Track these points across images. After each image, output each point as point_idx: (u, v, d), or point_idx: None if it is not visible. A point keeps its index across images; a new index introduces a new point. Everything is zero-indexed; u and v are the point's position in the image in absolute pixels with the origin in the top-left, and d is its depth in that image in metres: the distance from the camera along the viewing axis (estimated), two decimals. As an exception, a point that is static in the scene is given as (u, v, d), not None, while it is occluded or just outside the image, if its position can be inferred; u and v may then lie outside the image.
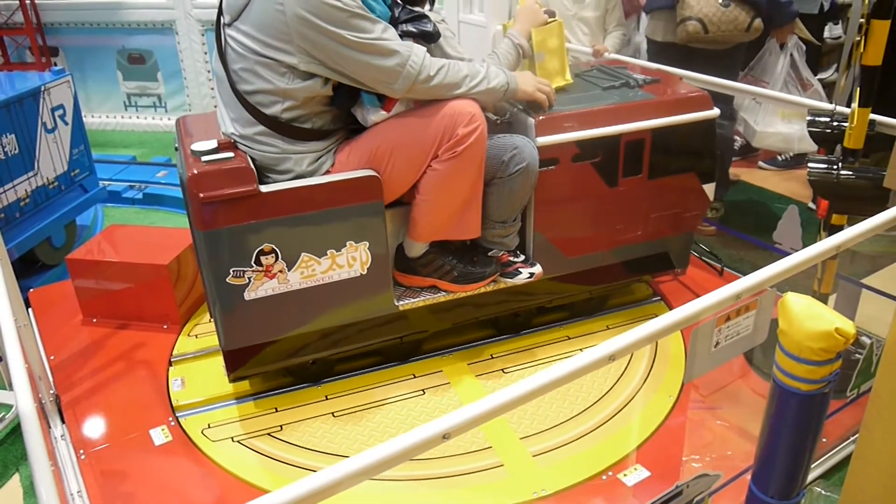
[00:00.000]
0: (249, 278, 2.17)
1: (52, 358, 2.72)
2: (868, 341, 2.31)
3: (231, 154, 2.13)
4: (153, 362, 2.69)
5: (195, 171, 2.05)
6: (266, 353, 2.33)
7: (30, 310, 2.97)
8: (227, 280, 2.15)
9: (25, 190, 3.42)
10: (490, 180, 2.35)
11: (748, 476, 1.61)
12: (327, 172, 2.21)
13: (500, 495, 2.07)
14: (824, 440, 2.20)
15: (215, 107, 2.34)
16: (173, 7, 5.52)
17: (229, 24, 2.11)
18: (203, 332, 2.84)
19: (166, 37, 5.68)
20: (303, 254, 2.20)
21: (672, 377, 2.50)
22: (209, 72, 5.68)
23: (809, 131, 2.47)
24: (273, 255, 2.17)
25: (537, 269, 2.51)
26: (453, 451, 2.21)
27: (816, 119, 2.45)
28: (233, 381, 2.37)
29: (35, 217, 3.48)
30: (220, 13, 2.17)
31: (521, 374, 2.57)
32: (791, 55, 3.56)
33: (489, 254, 2.48)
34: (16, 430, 2.55)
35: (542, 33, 2.53)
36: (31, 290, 3.19)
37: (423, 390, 2.48)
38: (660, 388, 2.45)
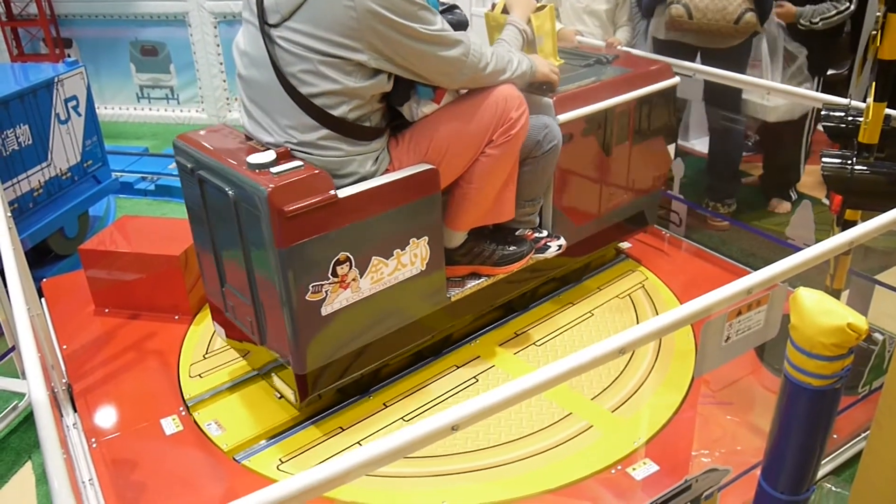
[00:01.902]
0: (326, 292, 2.06)
1: (64, 347, 2.74)
2: (881, 337, 2.30)
3: (300, 163, 2.00)
4: (164, 352, 2.70)
5: (273, 186, 1.88)
6: (335, 369, 2.22)
7: (42, 299, 3.00)
8: (306, 298, 2.02)
9: (39, 180, 3.44)
10: (524, 160, 2.39)
11: (758, 471, 1.61)
12: (386, 171, 2.16)
13: (604, 453, 2.16)
14: (835, 436, 2.19)
15: (250, 118, 2.16)
16: (186, -1, 5.54)
17: (276, 25, 1.97)
18: (211, 369, 2.60)
19: (179, 29, 5.70)
20: (373, 258, 2.13)
21: (681, 371, 2.49)
22: (221, 64, 5.70)
23: (824, 126, 2.45)
24: (347, 263, 2.08)
25: (562, 241, 2.64)
26: (538, 426, 2.27)
27: (831, 114, 2.43)
28: (306, 406, 2.26)
29: (48, 207, 3.51)
30: (260, 14, 2.00)
31: (553, 342, 2.69)
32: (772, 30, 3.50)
33: (516, 233, 2.55)
34: (29, 418, 2.57)
35: (539, 18, 2.64)
36: (44, 279, 3.21)
37: (475, 378, 2.50)
38: (669, 382, 2.45)
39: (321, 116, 2.01)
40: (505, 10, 2.61)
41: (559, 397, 2.37)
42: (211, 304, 2.51)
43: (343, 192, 2.02)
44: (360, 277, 2.12)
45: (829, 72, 3.75)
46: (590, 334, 2.73)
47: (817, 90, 3.52)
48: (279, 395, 2.40)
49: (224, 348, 2.67)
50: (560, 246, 2.61)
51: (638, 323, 2.62)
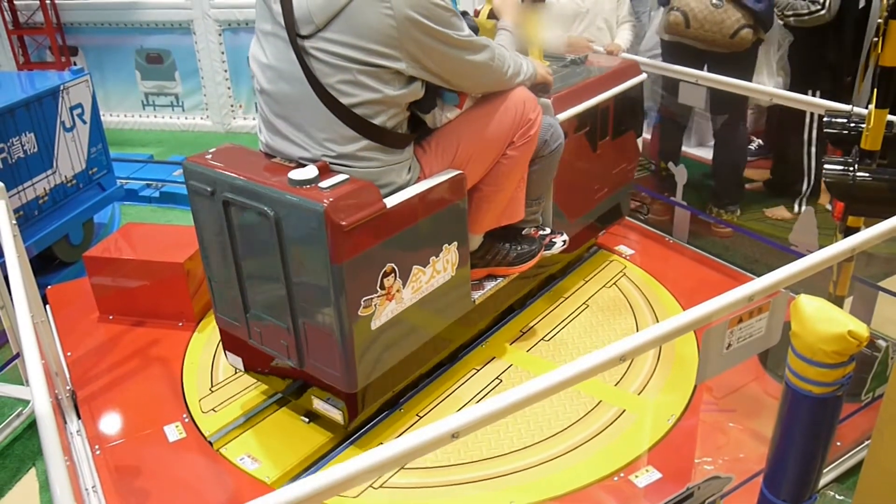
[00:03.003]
0: (375, 305, 2.03)
1: (69, 354, 2.75)
2: (884, 344, 2.29)
3: (345, 176, 1.95)
4: (168, 359, 2.71)
5: (329, 201, 1.83)
6: (379, 385, 2.18)
7: (47, 306, 3.01)
8: (358, 313, 1.98)
9: (44, 188, 3.46)
10: (532, 160, 2.44)
11: (760, 479, 1.60)
12: (418, 179, 2.15)
13: (642, 435, 2.21)
14: (839, 444, 2.18)
15: (276, 134, 2.08)
16: (191, 7, 5.57)
17: (309, 36, 1.92)
18: (223, 401, 2.47)
19: (184, 37, 5.73)
20: (413, 267, 2.12)
21: (685, 379, 2.49)
22: (226, 71, 5.72)
23: (826, 133, 2.45)
24: (393, 274, 2.05)
25: (565, 236, 2.73)
26: (571, 419, 2.30)
27: (833, 120, 2.43)
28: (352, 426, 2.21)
29: (53, 215, 3.52)
30: (289, 26, 1.93)
31: (560, 336, 2.74)
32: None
33: (523, 232, 2.61)
34: (33, 425, 2.58)
35: (528, 21, 2.69)
36: (49, 286, 3.23)
37: (498, 378, 2.52)
38: (672, 389, 2.44)
39: (362, 126, 1.97)
40: (491, 16, 2.62)
41: (561, 403, 2.38)
42: (225, 335, 2.38)
43: (391, 202, 2.00)
44: (403, 288, 2.11)
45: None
46: (591, 325, 2.80)
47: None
48: (307, 420, 2.35)
49: (230, 379, 2.57)
50: (564, 241, 2.72)
51: (635, 319, 2.76)
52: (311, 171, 1.92)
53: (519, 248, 2.54)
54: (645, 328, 1.36)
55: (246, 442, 2.30)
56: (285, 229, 1.94)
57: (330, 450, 2.26)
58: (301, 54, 1.93)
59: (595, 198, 3.02)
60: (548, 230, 2.71)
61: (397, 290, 2.09)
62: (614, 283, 3.06)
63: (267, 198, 1.93)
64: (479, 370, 2.56)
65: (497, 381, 2.50)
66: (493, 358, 2.62)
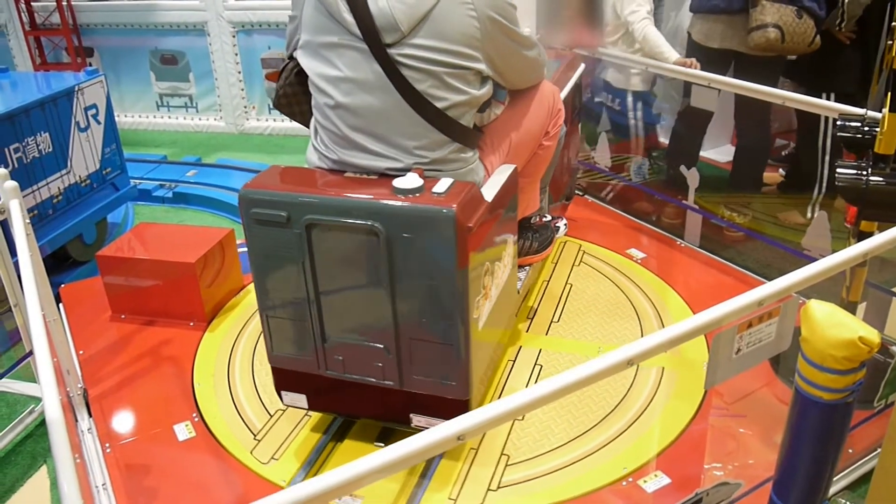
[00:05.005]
0: (479, 305, 2.01)
1: (81, 353, 2.78)
2: (897, 351, 2.27)
3: (451, 179, 1.92)
4: (179, 359, 2.73)
5: (456, 205, 1.79)
6: (478, 388, 2.13)
7: (60, 305, 3.03)
8: (473, 317, 1.95)
9: (58, 187, 3.49)
10: None
11: (769, 486, 1.59)
12: (485, 177, 2.15)
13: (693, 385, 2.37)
14: (850, 451, 2.16)
15: (351, 148, 2.00)
16: (205, 9, 5.60)
17: (394, 44, 1.88)
18: (278, 447, 2.28)
19: (198, 38, 5.76)
20: (497, 263, 2.14)
21: (695, 383, 2.48)
22: (240, 73, 5.75)
23: (839, 136, 2.43)
24: (489, 272, 2.06)
25: (564, 220, 2.87)
26: (616, 398, 2.38)
27: (847, 124, 2.41)
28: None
29: (67, 214, 3.55)
30: (370, 37, 1.87)
31: (567, 315, 2.88)
32: None
33: (531, 221, 2.66)
34: (45, 423, 2.59)
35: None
36: (63, 285, 3.26)
37: (538, 364, 2.58)
38: (682, 393, 2.43)
39: (453, 129, 1.98)
40: None
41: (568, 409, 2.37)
42: (282, 374, 2.20)
43: (489, 199, 2.01)
44: (491, 284, 2.12)
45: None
46: (586, 301, 2.98)
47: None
48: (381, 445, 2.21)
49: (271, 422, 2.39)
50: (566, 224, 2.84)
51: (640, 324, 2.79)
52: (413, 180, 1.86)
53: (540, 236, 2.64)
54: (653, 332, 1.36)
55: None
56: (398, 242, 1.85)
57: (424, 469, 2.18)
58: (388, 63, 1.89)
59: (566, 181, 3.42)
60: (549, 217, 2.80)
61: (488, 287, 2.09)
62: (582, 262, 3.29)
63: (376, 212, 1.84)
64: (514, 361, 2.61)
65: (539, 368, 2.56)
66: (521, 346, 2.68)
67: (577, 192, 3.96)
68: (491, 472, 2.15)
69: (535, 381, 2.38)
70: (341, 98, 1.96)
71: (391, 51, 1.88)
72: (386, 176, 1.96)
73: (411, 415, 2.12)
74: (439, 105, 1.94)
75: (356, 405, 2.21)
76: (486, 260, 2.02)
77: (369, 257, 1.89)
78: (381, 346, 2.01)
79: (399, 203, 1.83)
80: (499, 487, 2.10)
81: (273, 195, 1.93)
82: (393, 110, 1.93)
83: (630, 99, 3.81)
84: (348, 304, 2.01)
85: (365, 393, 2.12)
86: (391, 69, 1.89)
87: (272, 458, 2.24)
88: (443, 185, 1.88)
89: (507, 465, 2.17)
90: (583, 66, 3.44)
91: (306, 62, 2.02)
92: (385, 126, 1.96)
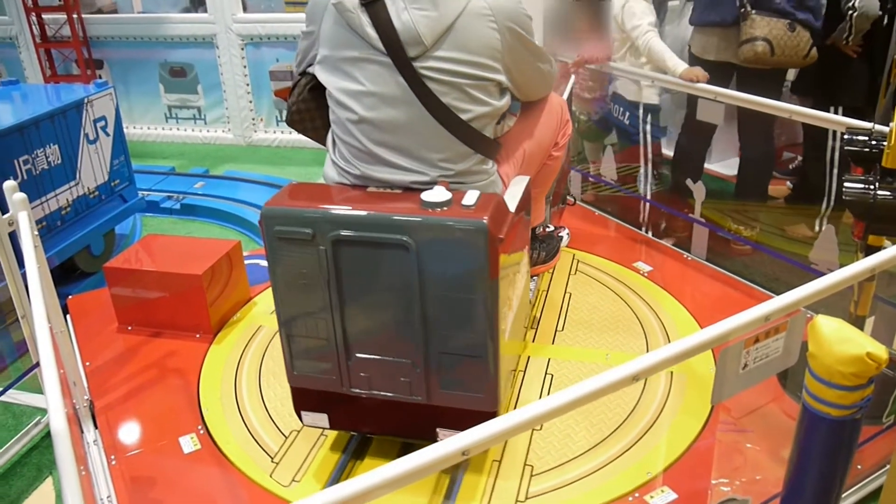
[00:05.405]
0: (505, 315, 2.00)
1: (87, 364, 2.78)
2: (906, 366, 2.26)
3: (477, 191, 1.91)
4: (185, 371, 2.73)
5: (487, 216, 1.79)
6: (504, 398, 2.13)
7: (68, 316, 3.04)
8: (501, 327, 1.95)
9: (67, 199, 3.51)
10: None
11: (777, 502, 1.58)
12: (503, 188, 2.18)
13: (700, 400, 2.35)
14: (858, 467, 2.14)
15: (375, 162, 1.99)
16: (214, 22, 5.65)
17: (418, 57, 1.89)
18: (298, 468, 2.22)
19: (207, 51, 5.81)
20: (517, 273, 2.16)
21: (701, 398, 2.46)
22: (248, 85, 5.79)
23: (846, 150, 2.42)
24: (511, 284, 2.06)
25: (567, 229, 2.96)
26: (629, 407, 2.36)
27: (854, 138, 2.41)
28: None
29: (75, 226, 3.57)
30: (394, 50, 1.88)
31: (571, 323, 2.85)
32: None
33: (536, 232, 2.71)
34: (50, 434, 2.60)
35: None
36: (70, 297, 3.27)
37: (550, 375, 2.56)
38: (688, 409, 2.42)
39: (478, 141, 1.99)
40: None
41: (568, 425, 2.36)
42: (303, 394, 2.16)
43: (511, 209, 2.02)
44: (513, 295, 2.13)
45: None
46: (589, 309, 2.94)
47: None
48: None
49: (287, 444, 2.32)
50: (568, 233, 2.89)
51: (646, 338, 2.73)
52: (441, 193, 1.85)
53: (547, 246, 2.69)
54: (659, 345, 1.35)
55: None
56: (429, 256, 1.83)
57: (448, 486, 2.13)
58: (414, 77, 1.90)
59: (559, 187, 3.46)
60: (551, 227, 2.86)
61: (513, 299, 2.12)
62: (577, 271, 3.21)
63: (406, 226, 1.82)
64: (525, 371, 2.59)
65: (550, 377, 2.54)
66: (528, 356, 2.66)
67: (582, 203, 3.96)
68: (517, 484, 2.13)
69: (549, 391, 2.44)
70: (364, 112, 1.95)
71: (416, 64, 1.88)
72: (410, 190, 1.96)
73: (437, 429, 2.10)
74: (464, 117, 1.95)
75: (380, 422, 2.18)
76: (511, 271, 2.05)
77: (398, 272, 1.87)
78: (409, 361, 1.98)
79: (430, 217, 1.82)
80: (527, 499, 2.09)
81: (297, 212, 1.90)
82: (418, 123, 1.93)
83: (641, 111, 3.82)
84: (374, 320, 1.99)
85: (389, 409, 2.09)
86: (416, 82, 1.89)
87: (293, 480, 2.20)
88: (471, 197, 1.87)
89: (532, 476, 2.16)
90: (574, 77, 3.50)
91: (325, 77, 2.02)
92: (410, 139, 1.96)
